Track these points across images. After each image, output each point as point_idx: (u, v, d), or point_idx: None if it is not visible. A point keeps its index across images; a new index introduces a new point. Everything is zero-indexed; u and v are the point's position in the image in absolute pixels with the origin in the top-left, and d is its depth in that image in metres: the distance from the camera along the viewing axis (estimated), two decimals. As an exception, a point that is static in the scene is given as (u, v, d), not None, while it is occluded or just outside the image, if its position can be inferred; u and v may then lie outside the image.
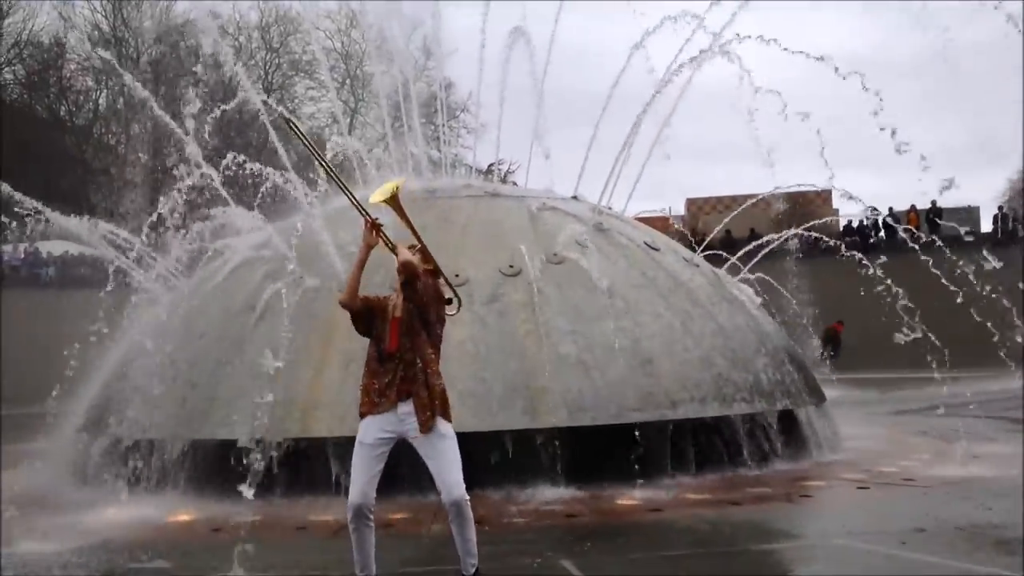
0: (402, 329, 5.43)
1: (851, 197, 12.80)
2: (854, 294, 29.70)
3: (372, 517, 5.44)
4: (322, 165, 5.91)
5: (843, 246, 16.61)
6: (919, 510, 7.74)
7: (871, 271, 11.71)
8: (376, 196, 5.57)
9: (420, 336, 5.44)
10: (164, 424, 9.61)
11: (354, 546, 5.45)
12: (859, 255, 13.22)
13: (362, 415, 5.47)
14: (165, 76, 41.68)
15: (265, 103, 11.87)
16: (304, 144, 5.85)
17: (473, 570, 5.46)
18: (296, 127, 5.88)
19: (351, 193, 5.72)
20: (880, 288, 11.40)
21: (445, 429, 5.42)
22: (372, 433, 5.40)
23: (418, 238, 5.65)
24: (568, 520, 7.82)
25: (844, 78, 10.20)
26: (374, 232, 5.48)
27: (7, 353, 24.80)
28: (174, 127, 11.10)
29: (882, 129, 10.00)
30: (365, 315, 5.56)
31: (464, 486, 5.36)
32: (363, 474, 5.38)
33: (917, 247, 11.78)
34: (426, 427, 5.35)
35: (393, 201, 5.52)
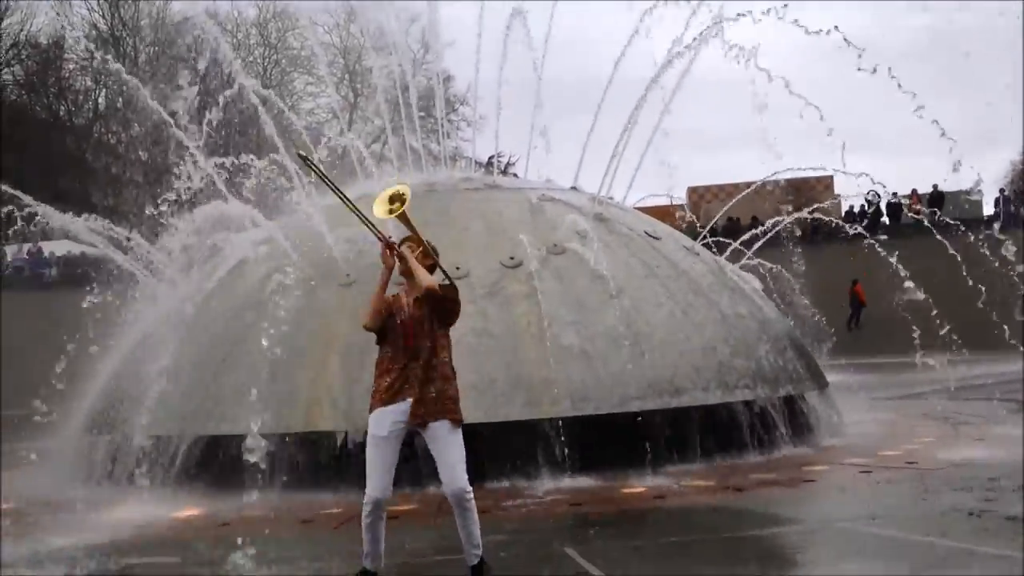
0: (417, 330, 5.46)
1: (873, 182, 12.78)
2: (861, 277, 29.66)
3: (386, 510, 5.49)
4: (337, 193, 5.80)
5: (850, 228, 16.61)
6: (921, 493, 7.75)
7: (884, 254, 11.70)
8: (380, 210, 5.53)
9: (434, 336, 5.48)
10: (169, 421, 9.65)
11: (366, 540, 5.47)
12: (872, 239, 13.16)
13: (372, 408, 5.49)
14: (162, 73, 41.68)
15: (261, 97, 11.83)
16: (322, 178, 5.89)
17: (477, 560, 5.48)
18: (311, 163, 6.00)
19: (364, 216, 5.64)
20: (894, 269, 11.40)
21: (451, 426, 5.44)
22: (386, 425, 5.41)
23: (420, 240, 5.65)
24: (573, 509, 7.85)
25: (850, 45, 10.17)
26: (391, 252, 5.47)
27: (13, 353, 24.84)
28: (170, 122, 11.10)
29: (921, 116, 10.04)
30: (383, 325, 5.58)
31: (466, 478, 5.39)
32: (380, 468, 5.40)
33: (933, 228, 11.81)
34: (415, 419, 5.39)
35: (402, 217, 5.52)
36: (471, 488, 5.41)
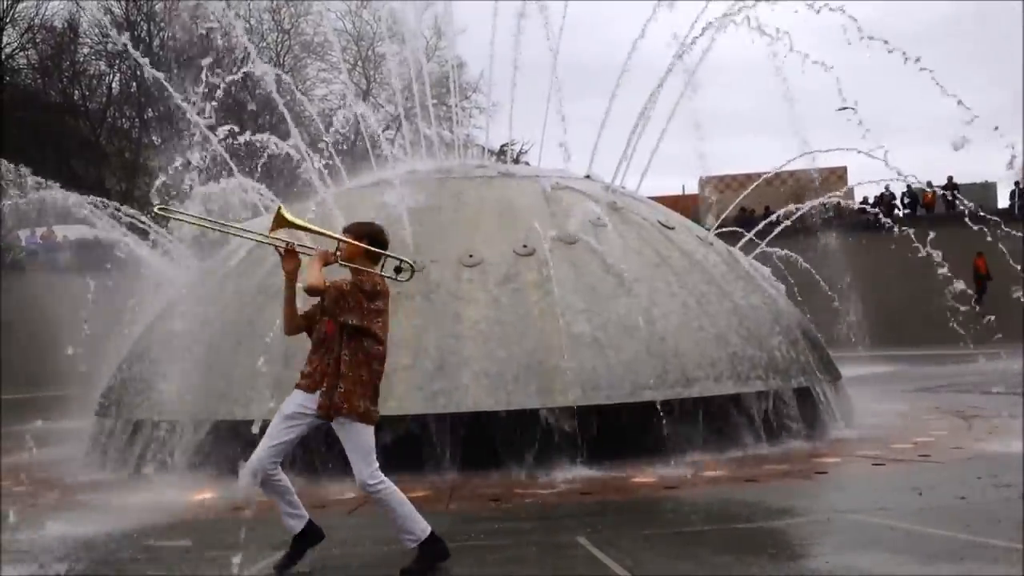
0: (334, 323, 5.54)
1: (904, 174, 12.69)
2: (883, 269, 29.36)
3: (278, 474, 5.55)
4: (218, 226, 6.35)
5: (879, 215, 16.50)
6: (934, 485, 7.73)
7: (918, 246, 11.65)
8: (272, 226, 5.60)
9: (341, 333, 5.50)
10: (182, 405, 9.68)
11: (277, 502, 5.61)
12: (908, 230, 13.06)
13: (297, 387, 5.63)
14: (178, 59, 41.68)
15: (278, 76, 11.85)
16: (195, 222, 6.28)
17: (413, 545, 5.51)
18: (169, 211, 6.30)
19: (243, 230, 6.07)
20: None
21: (360, 425, 5.45)
22: (292, 406, 5.53)
23: (333, 236, 5.67)
24: (584, 497, 7.85)
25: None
26: (289, 257, 5.55)
27: (28, 337, 24.97)
28: (186, 107, 11.10)
29: (958, 102, 9.95)
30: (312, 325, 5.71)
31: (369, 473, 5.39)
32: (270, 440, 5.49)
33: (970, 220, 11.74)
34: (322, 410, 5.44)
35: (285, 222, 5.52)
36: (375, 479, 5.41)
